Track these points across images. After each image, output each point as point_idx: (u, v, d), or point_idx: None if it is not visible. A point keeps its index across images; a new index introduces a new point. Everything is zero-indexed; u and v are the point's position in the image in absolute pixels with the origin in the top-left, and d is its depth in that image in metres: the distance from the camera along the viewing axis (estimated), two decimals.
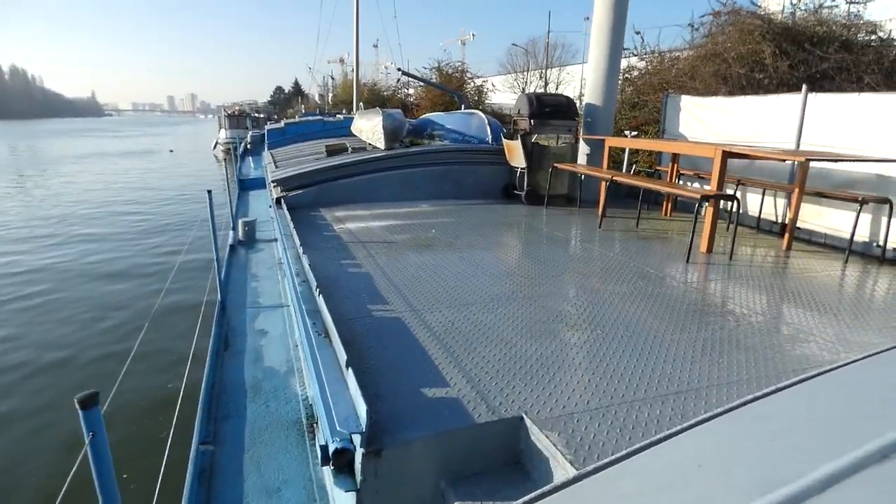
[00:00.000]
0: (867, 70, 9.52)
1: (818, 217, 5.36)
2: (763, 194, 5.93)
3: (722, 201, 4.87)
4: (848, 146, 5.08)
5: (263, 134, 14.84)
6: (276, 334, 3.46)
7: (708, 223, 4.69)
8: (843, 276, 4.31)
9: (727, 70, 10.21)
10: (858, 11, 10.35)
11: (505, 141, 7.25)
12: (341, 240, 4.96)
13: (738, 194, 5.40)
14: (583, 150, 7.34)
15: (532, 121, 6.82)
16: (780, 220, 5.90)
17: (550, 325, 3.00)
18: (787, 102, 5.68)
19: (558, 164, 6.68)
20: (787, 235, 5.08)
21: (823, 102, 5.36)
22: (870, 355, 1.19)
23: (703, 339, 2.85)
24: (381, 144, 7.83)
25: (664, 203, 6.68)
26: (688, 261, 4.46)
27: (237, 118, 36.75)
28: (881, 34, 10.22)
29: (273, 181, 6.90)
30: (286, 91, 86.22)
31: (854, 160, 4.16)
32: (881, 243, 4.83)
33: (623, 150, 8.08)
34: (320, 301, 2.95)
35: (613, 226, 5.85)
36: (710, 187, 4.76)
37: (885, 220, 4.78)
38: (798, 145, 5.57)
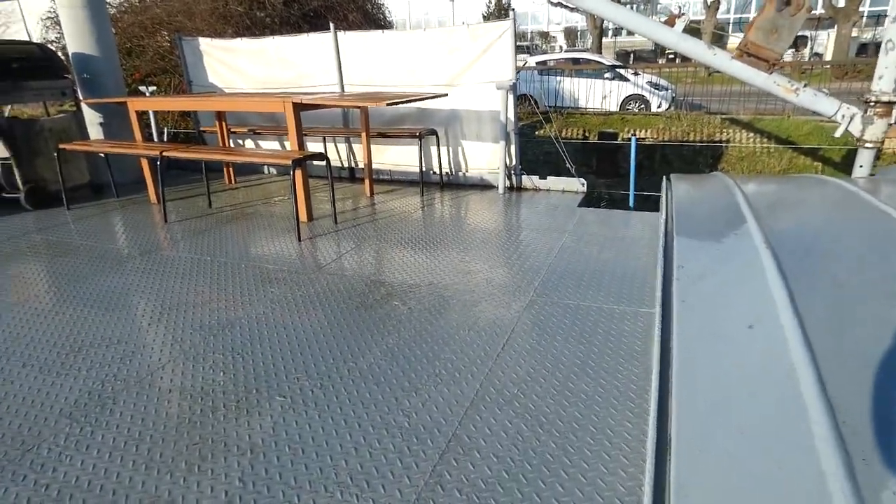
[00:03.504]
0: (349, 9, 10.47)
1: (381, 155, 5.52)
2: (324, 141, 5.71)
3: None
4: (384, 82, 5.28)
5: None
6: None
7: (301, 188, 4.09)
8: (440, 210, 4.56)
9: (226, 8, 9.45)
10: None
11: None
12: None
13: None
14: (92, 118, 5.41)
15: None
16: (347, 166, 5.86)
17: (210, 424, 1.88)
18: (320, 42, 5.44)
19: (66, 144, 4.67)
20: (367, 182, 5.03)
21: (353, 41, 5.34)
22: None
23: (399, 349, 2.32)
24: None
25: (224, 169, 5.68)
26: (300, 240, 3.81)
27: None
28: None
29: None
30: None
31: (422, 98, 4.25)
32: (436, 170, 5.36)
33: (145, 111, 6.46)
34: None
35: (181, 214, 4.56)
36: (291, 147, 4.12)
37: (434, 149, 5.27)
38: (342, 85, 5.49)
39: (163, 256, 3.57)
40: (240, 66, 5.91)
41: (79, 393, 2.08)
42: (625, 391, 1.93)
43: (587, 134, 9.87)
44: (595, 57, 16.24)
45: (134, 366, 2.26)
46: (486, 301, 2.73)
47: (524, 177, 5.09)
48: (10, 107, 4.75)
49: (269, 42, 5.71)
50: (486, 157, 5.19)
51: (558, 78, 13.07)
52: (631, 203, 4.98)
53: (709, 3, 23.26)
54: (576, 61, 15.18)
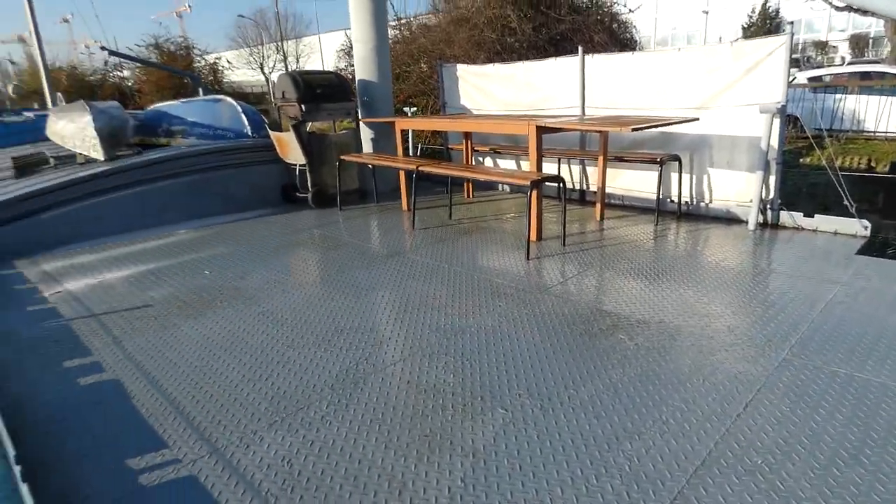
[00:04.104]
0: (595, 30, 10.43)
1: (614, 179, 5.38)
2: (559, 162, 5.79)
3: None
4: (627, 104, 5.13)
5: None
6: None
7: (535, 209, 4.22)
8: (676, 242, 4.28)
9: (480, 35, 10.23)
10: None
11: (273, 134, 5.88)
12: (58, 317, 3.22)
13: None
14: (366, 134, 6.39)
15: (303, 106, 5.59)
16: (578, 187, 5.86)
17: (439, 420, 2.06)
18: (566, 65, 5.54)
19: (346, 156, 5.61)
20: (598, 205, 4.95)
21: (600, 64, 5.31)
22: None
23: (623, 385, 2.24)
24: (98, 154, 5.74)
25: (465, 184, 6.17)
26: (528, 258, 3.93)
27: None
28: None
29: None
30: None
31: (669, 123, 4.04)
32: (674, 198, 5.01)
33: (406, 129, 7.38)
34: (26, 496, 1.53)
35: (426, 222, 5.08)
36: (530, 168, 4.28)
37: (675, 176, 4.94)
38: (584, 108, 5.50)
39: (408, 259, 4.03)
40: (489, 90, 6.36)
41: (339, 369, 2.48)
42: None
43: (873, 164, 8.17)
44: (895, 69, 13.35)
45: (381, 353, 2.60)
46: (726, 351, 2.46)
47: (783, 213, 4.44)
48: (309, 123, 5.88)
49: (519, 67, 6.02)
50: (737, 188, 4.67)
51: (837, 95, 11.10)
52: None
53: None
54: (864, 75, 12.70)
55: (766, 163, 4.33)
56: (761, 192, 4.39)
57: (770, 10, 33.43)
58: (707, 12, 38.23)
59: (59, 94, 16.81)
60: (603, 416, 2.02)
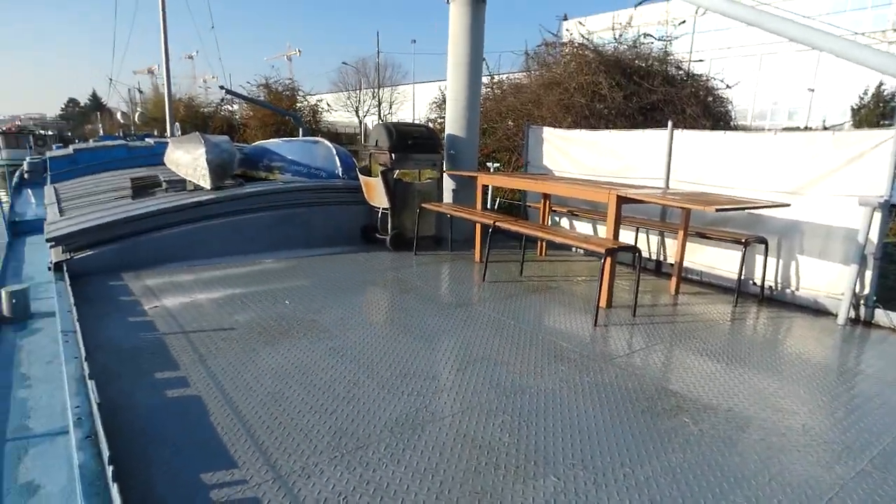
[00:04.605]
0: (688, 103, 10.37)
1: (693, 254, 5.26)
2: (637, 232, 5.74)
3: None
4: (715, 181, 5.06)
5: (46, 161, 11.73)
6: (53, 491, 2.02)
7: (607, 276, 4.21)
8: (755, 327, 4.12)
9: (570, 99, 10.45)
10: (666, 47, 11.32)
11: (363, 178, 6.27)
12: (155, 330, 3.54)
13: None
14: (448, 184, 6.65)
15: (393, 155, 5.94)
16: (655, 258, 5.76)
17: (491, 479, 2.09)
18: (654, 138, 5.57)
19: (427, 204, 5.87)
20: (674, 279, 4.85)
21: (689, 139, 5.31)
22: None
23: (682, 472, 2.17)
24: (205, 183, 6.33)
25: (539, 242, 6.24)
26: (595, 325, 3.91)
27: (14, 136, 30.59)
28: (685, 69, 11.31)
29: (50, 238, 5.02)
30: (82, 104, 74.90)
31: (753, 207, 3.97)
32: (757, 281, 4.81)
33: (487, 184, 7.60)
34: (115, 495, 1.70)
35: (496, 276, 5.18)
36: (607, 235, 4.30)
37: (760, 258, 4.77)
38: (668, 181, 5.47)
39: (475, 310, 4.12)
40: (572, 154, 6.47)
41: (399, 412, 2.56)
42: None
43: None
44: None
45: (440, 403, 2.67)
46: (798, 451, 2.33)
47: (878, 311, 4.15)
48: (397, 171, 6.22)
49: (604, 135, 6.12)
50: (828, 278, 4.43)
51: None
52: None
53: None
54: None
55: (862, 256, 4.10)
56: (855, 286, 4.14)
57: (885, 93, 31.52)
58: (813, 90, 36.76)
59: (177, 123, 18.84)
60: (658, 501, 1.97)
